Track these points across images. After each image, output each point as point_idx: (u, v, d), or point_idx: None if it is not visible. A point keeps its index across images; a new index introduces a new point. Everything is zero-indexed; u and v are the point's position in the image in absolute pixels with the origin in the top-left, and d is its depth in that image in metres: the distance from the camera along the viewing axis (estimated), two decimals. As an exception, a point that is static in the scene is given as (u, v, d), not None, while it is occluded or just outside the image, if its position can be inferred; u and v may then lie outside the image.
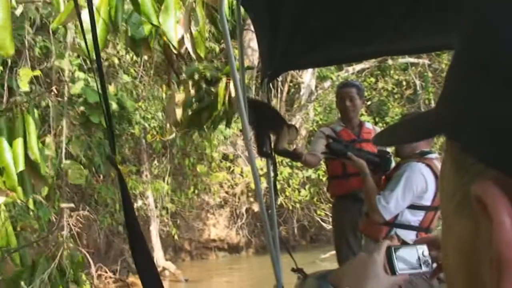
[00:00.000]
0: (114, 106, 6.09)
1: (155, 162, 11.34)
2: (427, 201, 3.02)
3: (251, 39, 10.47)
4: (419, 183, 2.97)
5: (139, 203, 10.55)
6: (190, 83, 3.33)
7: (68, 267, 3.33)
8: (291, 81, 12.71)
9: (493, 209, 0.32)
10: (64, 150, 4.75)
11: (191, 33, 2.89)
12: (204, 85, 3.43)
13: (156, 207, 10.96)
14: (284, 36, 2.75)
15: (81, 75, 6.39)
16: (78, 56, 6.33)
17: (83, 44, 2.48)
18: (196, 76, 3.39)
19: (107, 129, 1.89)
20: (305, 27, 2.62)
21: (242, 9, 2.97)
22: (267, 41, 2.90)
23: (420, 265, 1.18)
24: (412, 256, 1.19)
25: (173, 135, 9.83)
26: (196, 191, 11.85)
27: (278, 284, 3.21)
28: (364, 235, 3.51)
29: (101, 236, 10.62)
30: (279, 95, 12.34)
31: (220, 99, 3.42)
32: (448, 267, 0.40)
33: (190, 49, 2.95)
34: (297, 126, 12.15)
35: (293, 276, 3.57)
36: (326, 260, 10.60)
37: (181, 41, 2.92)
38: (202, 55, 2.98)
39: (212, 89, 3.46)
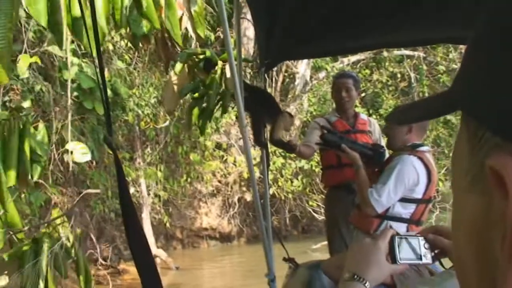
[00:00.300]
0: (108, 92, 6.03)
1: (148, 149, 11.31)
2: (418, 194, 3.03)
3: (247, 28, 10.44)
4: (410, 176, 2.97)
5: (131, 190, 10.52)
6: (186, 67, 3.30)
7: (68, 243, 3.36)
8: (286, 71, 12.68)
9: (510, 181, 0.32)
10: (70, 135, 4.72)
11: (190, 14, 2.88)
12: (198, 70, 3.40)
13: (148, 194, 10.94)
14: (281, 26, 2.73)
15: (75, 60, 6.33)
16: (72, 42, 6.27)
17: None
18: (191, 62, 3.36)
19: (104, 111, 1.88)
20: (302, 18, 2.60)
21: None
22: (264, 30, 2.89)
23: (421, 256, 1.19)
24: (414, 247, 1.19)
25: (167, 122, 9.81)
26: (189, 180, 11.84)
27: (270, 273, 3.22)
28: (355, 227, 3.51)
29: (92, 222, 10.61)
30: (273, 85, 12.31)
31: (215, 85, 3.39)
32: (458, 248, 0.40)
33: (190, 29, 2.94)
34: (291, 116, 12.20)
35: (285, 266, 3.57)
36: (317, 250, 10.66)
37: (181, 22, 2.91)
38: (202, 35, 2.97)
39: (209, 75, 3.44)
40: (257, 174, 5.66)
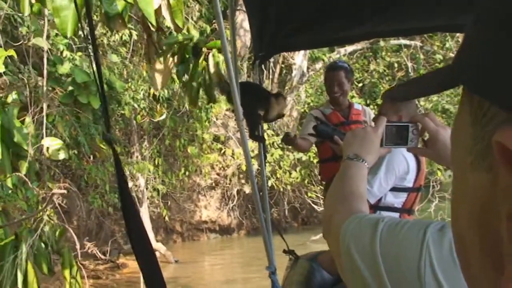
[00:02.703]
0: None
1: (145, 143, 11.28)
2: (409, 182, 3.05)
3: (243, 20, 10.38)
4: (400, 165, 2.99)
5: (129, 184, 10.50)
6: (169, 54, 3.28)
7: (49, 238, 3.33)
8: (283, 63, 12.64)
9: None
10: (45, 130, 4.67)
11: (168, 3, 2.84)
12: (188, 56, 3.37)
13: (146, 188, 10.92)
14: (275, 18, 2.70)
15: (69, 54, 6.29)
16: (65, 37, 6.22)
17: (57, 20, 2.43)
18: (176, 48, 3.33)
19: (101, 107, 1.88)
20: (295, 8, 2.58)
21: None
22: (258, 22, 2.86)
23: (407, 142, 1.34)
24: (402, 133, 1.34)
25: (163, 116, 9.77)
26: (187, 173, 11.82)
27: (271, 266, 3.22)
28: None
29: (91, 217, 10.60)
30: (270, 77, 12.28)
31: (197, 75, 3.36)
32: (459, 225, 0.40)
33: (168, 19, 2.90)
34: (288, 107, 12.17)
35: (285, 258, 3.58)
36: (317, 242, 10.68)
37: (159, 12, 2.87)
38: (180, 24, 2.93)
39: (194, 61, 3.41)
40: (255, 166, 5.64)
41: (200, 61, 3.30)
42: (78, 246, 5.36)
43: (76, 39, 6.96)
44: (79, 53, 7.00)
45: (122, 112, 9.49)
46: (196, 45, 3.30)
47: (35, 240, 3.11)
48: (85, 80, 5.37)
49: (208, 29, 10.60)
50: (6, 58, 4.30)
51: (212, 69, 3.28)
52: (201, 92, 3.46)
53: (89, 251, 9.55)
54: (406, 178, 3.02)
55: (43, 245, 3.24)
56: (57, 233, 3.46)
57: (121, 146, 10.56)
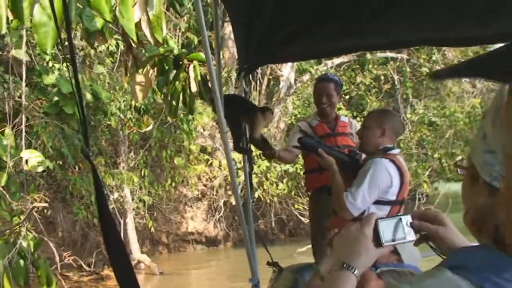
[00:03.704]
0: (88, 97, 5.99)
1: (132, 154, 11.22)
2: (392, 195, 3.05)
3: (232, 31, 10.41)
4: (384, 179, 3.00)
5: (115, 195, 10.44)
6: (149, 66, 3.28)
7: (27, 251, 3.30)
8: (270, 74, 12.68)
9: None
10: (24, 141, 4.63)
11: (148, 18, 2.85)
12: (168, 67, 3.38)
13: (132, 199, 10.85)
14: (261, 30, 2.71)
15: (56, 65, 6.27)
16: (53, 46, 6.18)
17: (36, 37, 2.43)
18: (156, 60, 3.34)
19: (81, 123, 1.88)
20: (281, 21, 2.59)
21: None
22: (244, 34, 2.87)
23: (405, 236, 1.21)
24: (397, 227, 1.21)
25: (150, 127, 9.74)
26: (174, 184, 11.77)
27: (254, 278, 3.21)
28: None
29: (76, 228, 10.50)
30: (258, 88, 12.30)
31: (178, 84, 3.37)
32: None
33: (147, 34, 2.91)
34: (276, 119, 12.18)
35: (270, 270, 3.57)
36: (303, 253, 10.65)
37: (139, 25, 2.88)
38: (160, 39, 2.94)
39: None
40: (241, 177, 5.62)
41: (180, 72, 3.31)
42: (57, 258, 5.30)
43: (62, 49, 6.93)
44: (65, 64, 6.97)
45: (109, 122, 9.45)
46: (176, 57, 3.31)
47: (13, 254, 3.07)
48: (70, 90, 5.36)
49: (196, 40, 10.62)
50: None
51: (192, 81, 3.29)
52: (180, 103, 3.47)
53: (74, 262, 9.47)
54: (389, 191, 3.03)
55: (20, 258, 3.20)
56: (32, 244, 3.42)
57: (106, 157, 10.50)
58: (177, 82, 3.30)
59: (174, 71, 3.37)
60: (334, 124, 4.11)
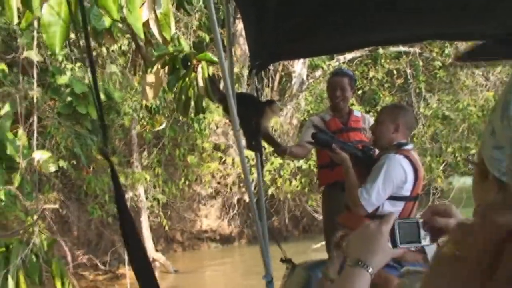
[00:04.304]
0: (102, 96, 6.02)
1: (145, 153, 11.26)
2: (406, 191, 3.06)
3: (243, 28, 10.39)
4: (398, 174, 3.01)
5: (129, 194, 10.49)
6: (159, 65, 3.29)
7: (41, 251, 3.34)
8: (282, 70, 12.65)
9: None
10: (35, 142, 4.66)
11: (156, 16, 2.85)
12: (178, 66, 3.38)
13: (146, 198, 10.90)
14: (271, 27, 2.71)
15: (68, 65, 6.31)
16: (65, 46, 6.23)
17: (45, 36, 2.45)
18: (167, 58, 3.35)
19: (98, 121, 1.92)
20: (290, 18, 2.59)
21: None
22: (254, 32, 2.87)
23: (420, 239, 1.22)
24: (413, 230, 1.22)
25: (163, 125, 9.77)
26: (187, 182, 11.79)
27: (267, 275, 3.23)
28: (345, 227, 3.53)
29: (91, 227, 10.57)
30: (270, 85, 12.28)
31: (186, 84, 3.37)
32: None
33: (156, 32, 2.91)
34: (288, 115, 12.16)
35: (284, 267, 3.58)
36: (317, 250, 10.62)
37: (147, 24, 2.89)
38: (168, 38, 2.94)
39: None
40: (255, 175, 5.62)
41: (189, 72, 3.31)
42: (69, 258, 5.35)
43: (75, 50, 6.98)
44: (78, 64, 7.01)
45: (122, 122, 9.49)
46: (185, 57, 3.31)
47: (26, 253, 3.11)
48: (83, 90, 5.39)
49: (207, 38, 10.62)
50: (3, 70, 4.33)
51: (200, 81, 3.29)
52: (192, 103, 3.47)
53: (90, 261, 9.54)
54: (403, 187, 3.04)
55: (34, 257, 3.24)
56: (45, 244, 3.46)
57: (120, 156, 10.55)
58: (186, 82, 3.30)
59: (184, 71, 3.38)
60: (347, 118, 4.11)
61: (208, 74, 3.39)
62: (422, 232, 1.22)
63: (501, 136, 0.76)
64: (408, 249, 1.23)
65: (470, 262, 0.71)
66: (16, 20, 2.36)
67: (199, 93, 3.35)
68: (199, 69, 3.29)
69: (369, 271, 1.12)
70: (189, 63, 3.33)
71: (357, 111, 4.43)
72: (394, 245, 1.19)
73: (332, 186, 4.01)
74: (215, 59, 3.48)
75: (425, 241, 1.22)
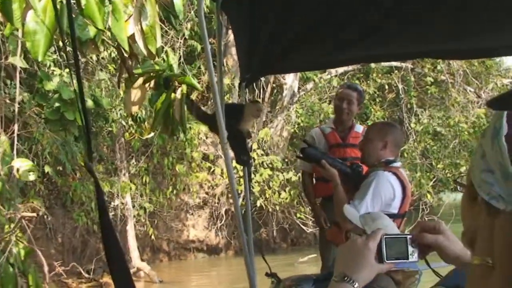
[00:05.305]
0: (89, 103, 5.97)
1: (133, 160, 11.18)
2: (394, 208, 3.12)
3: (234, 41, 10.38)
4: (386, 191, 3.04)
5: (116, 202, 10.39)
6: (142, 80, 3.25)
7: (14, 259, 3.28)
8: (274, 82, 12.64)
9: None
10: (15, 150, 4.59)
11: (141, 29, 2.82)
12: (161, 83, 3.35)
13: (133, 206, 10.80)
14: (262, 40, 2.69)
15: (56, 71, 6.25)
16: (55, 51, 6.19)
17: (28, 44, 2.41)
18: (151, 74, 3.32)
19: (84, 134, 1.92)
20: (282, 32, 2.57)
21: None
22: (245, 44, 2.85)
23: (408, 255, 1.22)
24: (401, 246, 1.21)
25: (152, 134, 9.70)
26: (175, 191, 11.71)
27: (252, 288, 3.17)
28: (334, 244, 3.54)
29: (76, 235, 10.44)
30: (261, 96, 12.26)
31: (166, 103, 3.33)
32: None
33: (141, 46, 2.89)
34: (279, 127, 12.14)
35: (269, 280, 3.55)
36: (304, 263, 10.59)
37: (133, 37, 2.86)
38: (154, 51, 2.91)
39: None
40: (243, 186, 5.58)
41: (170, 92, 3.28)
42: (46, 268, 5.27)
43: (64, 55, 6.92)
44: (67, 70, 6.95)
45: (110, 129, 9.41)
46: (166, 78, 3.29)
47: (1, 262, 3.05)
48: (71, 96, 5.34)
49: (199, 47, 10.59)
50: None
51: (176, 104, 3.26)
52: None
53: (74, 269, 9.42)
54: (391, 204, 3.09)
55: (10, 267, 3.18)
56: (22, 253, 3.40)
57: (108, 164, 10.46)
58: (166, 100, 3.27)
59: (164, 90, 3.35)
60: (347, 133, 4.17)
61: (187, 97, 3.36)
62: (410, 249, 1.21)
63: (491, 161, 0.76)
64: (394, 265, 1.21)
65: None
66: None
67: (174, 114, 3.32)
68: (178, 92, 3.26)
69: (355, 286, 1.11)
70: (170, 83, 3.30)
71: (360, 126, 4.43)
72: (381, 260, 1.18)
73: (328, 199, 4.04)
74: (196, 84, 3.50)
75: (413, 258, 1.22)
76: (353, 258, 1.16)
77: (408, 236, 1.22)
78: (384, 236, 1.19)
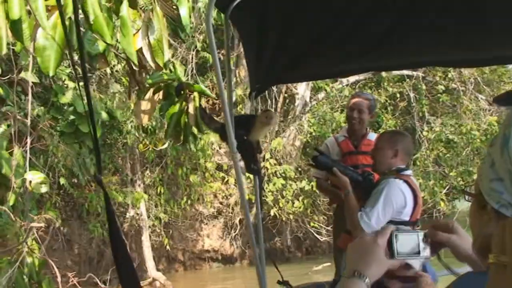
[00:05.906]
0: (104, 115, 6.06)
1: (148, 171, 11.27)
2: (406, 216, 3.13)
3: (243, 51, 10.44)
4: (398, 199, 3.06)
5: (131, 213, 10.48)
6: (152, 90, 3.32)
7: (28, 270, 3.34)
8: (286, 92, 12.68)
9: None
10: (28, 162, 4.68)
11: (149, 43, 2.89)
12: (172, 92, 3.42)
13: (148, 217, 10.88)
14: (271, 51, 2.74)
15: (71, 84, 6.37)
16: (68, 65, 6.30)
17: (39, 59, 2.49)
18: (161, 85, 3.39)
19: (94, 149, 1.96)
20: (291, 42, 2.62)
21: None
22: (254, 54, 2.89)
23: (419, 251, 1.21)
24: (412, 242, 1.21)
25: (166, 145, 9.79)
26: (190, 201, 11.78)
27: (263, 298, 3.19)
28: (345, 252, 3.54)
29: (92, 245, 10.54)
30: (273, 106, 12.31)
31: (178, 111, 3.39)
32: None
33: (148, 58, 2.95)
34: (291, 137, 12.16)
35: (281, 288, 3.56)
36: (319, 272, 10.57)
37: (141, 50, 2.93)
38: (161, 64, 2.98)
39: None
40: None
41: (181, 100, 3.34)
42: (59, 279, 5.33)
43: (78, 69, 7.02)
44: (81, 83, 7.05)
45: (125, 141, 9.52)
46: (177, 86, 3.35)
47: (14, 272, 3.11)
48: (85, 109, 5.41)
49: (211, 59, 10.66)
50: (6, 88, 4.39)
51: (191, 111, 3.31)
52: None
53: (90, 279, 9.48)
54: (403, 211, 3.10)
55: (23, 277, 3.24)
56: (36, 264, 3.46)
57: (123, 175, 10.56)
58: (178, 109, 3.33)
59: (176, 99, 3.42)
60: (360, 141, 4.17)
61: (200, 105, 3.41)
62: (422, 244, 1.21)
63: (501, 169, 0.77)
64: (405, 261, 1.21)
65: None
66: (4, 50, 2.41)
67: (187, 122, 3.38)
68: (190, 99, 3.32)
69: (366, 281, 1.12)
70: (182, 92, 3.36)
71: (373, 134, 4.44)
72: (392, 256, 1.18)
73: (343, 207, 4.06)
74: (208, 91, 3.55)
75: (425, 253, 1.21)
76: (362, 254, 1.16)
77: (420, 233, 1.22)
78: (395, 232, 1.20)
